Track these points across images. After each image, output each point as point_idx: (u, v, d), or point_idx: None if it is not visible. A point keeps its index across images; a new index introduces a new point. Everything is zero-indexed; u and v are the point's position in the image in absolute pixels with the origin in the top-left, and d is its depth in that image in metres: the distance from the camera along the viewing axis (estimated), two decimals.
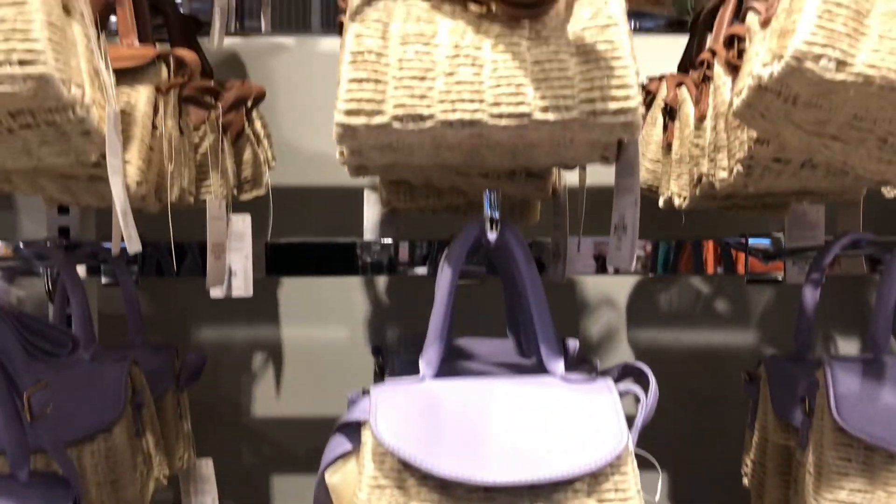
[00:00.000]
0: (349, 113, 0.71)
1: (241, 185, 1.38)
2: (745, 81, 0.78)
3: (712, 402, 1.61)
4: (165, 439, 1.23)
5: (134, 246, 0.80)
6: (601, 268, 1.40)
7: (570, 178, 1.20)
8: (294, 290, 1.60)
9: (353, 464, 0.79)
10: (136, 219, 0.86)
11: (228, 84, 1.35)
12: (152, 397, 1.16)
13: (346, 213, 1.47)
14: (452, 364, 0.89)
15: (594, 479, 0.76)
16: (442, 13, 0.73)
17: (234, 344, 1.60)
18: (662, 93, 1.30)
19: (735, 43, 0.97)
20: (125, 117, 0.95)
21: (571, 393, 0.79)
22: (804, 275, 1.33)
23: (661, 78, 1.34)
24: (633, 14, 1.46)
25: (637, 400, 0.83)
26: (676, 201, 1.20)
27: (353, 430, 0.77)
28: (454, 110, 0.70)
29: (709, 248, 1.43)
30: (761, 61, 0.75)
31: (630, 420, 0.81)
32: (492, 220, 0.82)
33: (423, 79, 0.71)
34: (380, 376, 1.12)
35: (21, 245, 1.20)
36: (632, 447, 0.79)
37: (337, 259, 1.41)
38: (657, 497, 0.87)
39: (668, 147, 1.25)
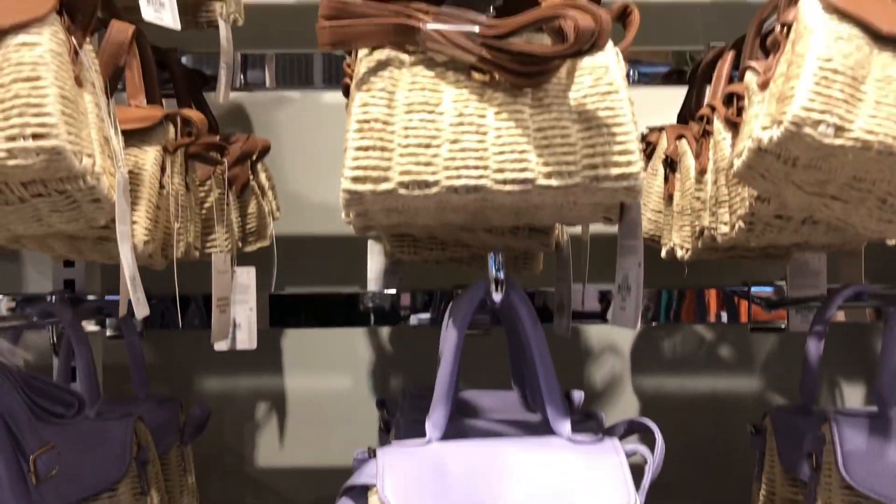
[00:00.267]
0: (356, 180, 0.72)
1: (245, 237, 1.39)
2: (745, 143, 0.79)
3: (718, 450, 1.60)
4: (170, 494, 1.23)
5: (142, 311, 0.81)
6: (605, 315, 1.41)
7: (574, 229, 1.21)
8: (298, 340, 1.60)
9: None
10: (140, 272, 0.87)
11: (234, 138, 1.37)
12: (157, 452, 1.15)
13: (349, 262, 1.48)
14: (458, 422, 0.89)
15: None
16: (447, 81, 0.74)
17: (237, 394, 1.60)
18: (663, 144, 1.31)
19: (734, 101, 0.98)
20: (133, 178, 0.96)
21: (578, 455, 0.79)
22: (807, 323, 1.34)
23: (661, 129, 1.36)
24: (631, 63, 1.50)
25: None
26: (679, 253, 1.21)
27: (360, 494, 0.77)
28: (459, 177, 0.71)
29: (712, 296, 1.43)
30: (761, 125, 0.76)
31: (637, 471, 0.80)
32: (496, 281, 0.82)
33: (428, 146, 0.72)
34: (385, 431, 1.11)
35: (26, 303, 1.20)
36: None
37: (340, 310, 1.41)
38: None
39: (669, 198, 1.26)
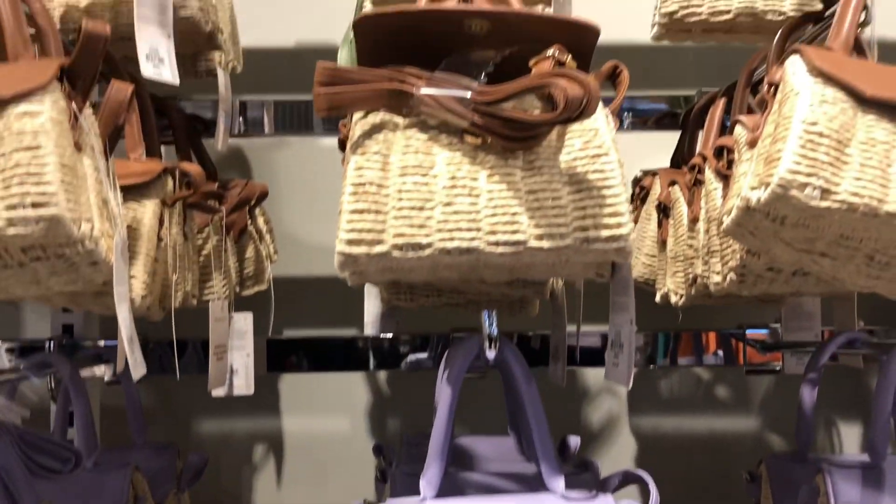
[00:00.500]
0: (350, 243, 0.73)
1: (243, 281, 1.40)
2: (734, 202, 0.80)
3: (716, 492, 1.60)
4: None
5: (139, 371, 0.81)
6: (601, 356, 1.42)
7: None
8: (295, 385, 1.60)
9: None
10: (138, 319, 0.87)
11: (232, 184, 1.39)
12: (154, 500, 1.15)
13: (347, 303, 1.49)
14: (454, 476, 0.89)
15: None
16: (440, 144, 0.76)
17: (235, 437, 1.60)
18: (656, 189, 1.33)
19: (724, 154, 1.00)
20: (131, 232, 0.97)
21: None
22: (802, 365, 1.35)
23: (654, 173, 1.37)
24: (626, 107, 1.52)
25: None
26: (673, 298, 1.22)
27: None
28: (452, 239, 0.72)
29: (707, 339, 1.44)
30: (749, 185, 0.77)
31: None
32: (490, 338, 0.83)
33: (421, 209, 0.73)
34: (381, 481, 1.12)
35: (25, 351, 1.21)
36: None
37: (338, 354, 1.42)
38: None
39: (663, 243, 1.27)
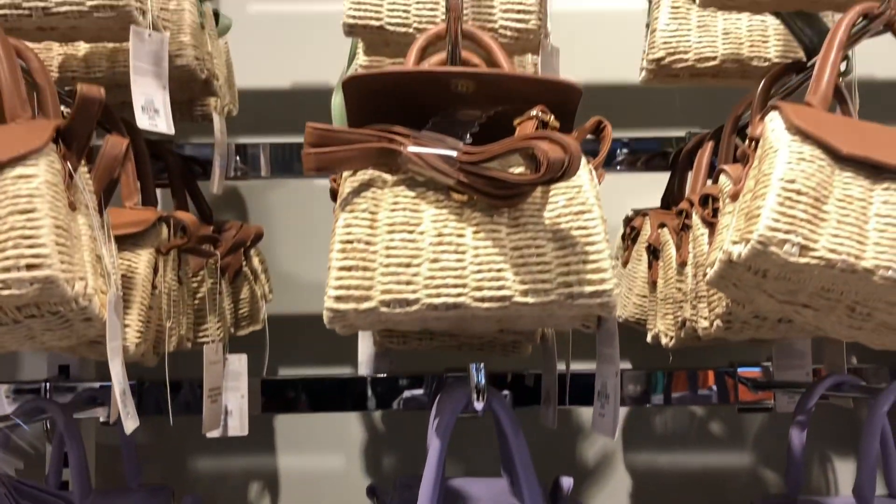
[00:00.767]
0: (339, 299, 0.74)
1: (238, 321, 1.41)
2: (717, 255, 0.82)
3: None
4: None
5: (131, 424, 0.82)
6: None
7: None
8: (290, 423, 1.61)
9: None
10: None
11: (227, 226, 1.40)
12: None
13: (342, 342, 1.49)
14: None
15: None
16: (427, 201, 0.77)
17: (230, 476, 1.61)
18: (646, 230, 1.35)
19: (710, 202, 1.01)
20: (126, 281, 0.99)
21: None
22: (794, 403, 1.35)
23: (644, 214, 1.39)
24: (619, 143, 1.54)
25: None
26: (663, 340, 1.23)
27: None
28: (438, 295, 0.74)
29: (699, 377, 1.45)
30: (731, 239, 0.79)
31: None
32: (478, 390, 0.84)
33: (408, 265, 0.74)
34: None
35: (20, 394, 1.22)
36: None
37: (332, 395, 1.43)
38: None
39: (653, 284, 1.29)
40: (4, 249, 0.68)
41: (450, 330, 0.99)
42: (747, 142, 0.86)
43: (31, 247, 0.68)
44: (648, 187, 1.51)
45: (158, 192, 1.33)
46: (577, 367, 1.21)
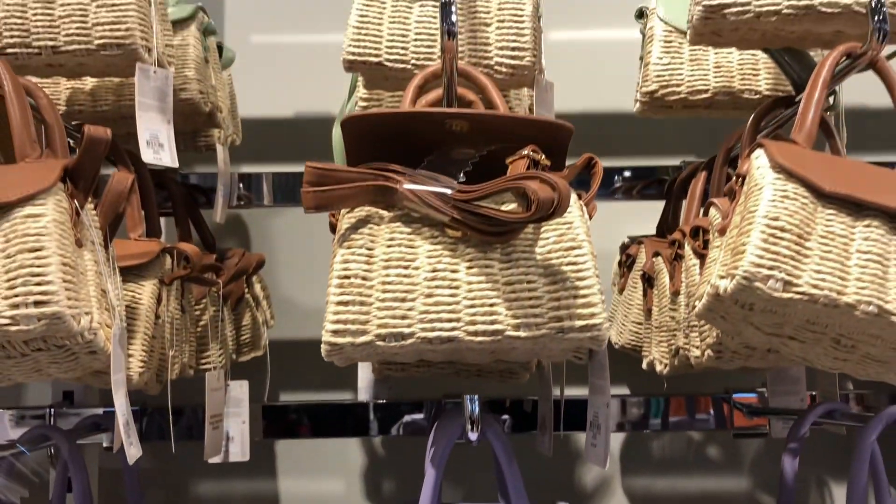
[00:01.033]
0: (336, 333, 0.76)
1: (239, 348, 1.43)
2: (705, 288, 0.84)
3: None
4: None
5: (134, 454, 0.84)
6: None
7: None
8: (291, 448, 1.63)
9: None
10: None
11: (230, 253, 1.43)
12: None
13: (342, 367, 1.52)
14: None
15: None
16: (422, 237, 0.80)
17: (232, 500, 1.62)
18: (641, 258, 1.37)
19: (700, 234, 1.04)
20: (130, 312, 1.01)
21: None
22: (788, 428, 1.37)
23: (640, 242, 1.41)
24: (616, 171, 1.56)
25: None
26: (658, 367, 1.24)
27: None
28: (433, 329, 0.76)
29: (695, 403, 1.47)
30: (718, 273, 0.81)
31: None
32: (472, 421, 0.86)
33: (404, 300, 0.77)
34: None
35: (24, 420, 1.24)
36: None
37: (333, 420, 1.44)
38: None
39: (648, 312, 1.31)
40: (14, 287, 0.70)
41: (446, 360, 1.01)
42: (734, 178, 0.88)
43: (38, 284, 0.70)
44: (645, 215, 1.54)
45: (162, 220, 1.36)
46: (576, 392, 1.23)
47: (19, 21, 1.00)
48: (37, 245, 0.71)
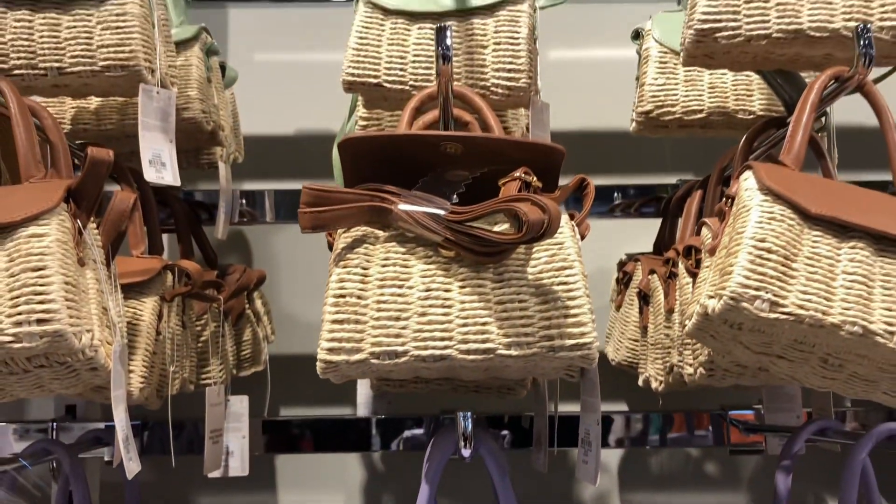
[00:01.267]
0: (331, 351, 0.78)
1: (240, 363, 1.45)
2: (695, 308, 0.85)
3: None
4: None
5: (133, 469, 0.86)
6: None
7: None
8: (291, 463, 1.64)
9: None
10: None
11: (231, 269, 1.45)
12: None
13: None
14: None
15: None
16: (416, 257, 0.81)
17: None
18: (637, 275, 1.38)
19: (693, 253, 1.05)
20: (131, 328, 1.03)
21: None
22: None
23: (636, 259, 1.42)
24: (615, 188, 1.58)
25: None
26: (654, 384, 1.26)
27: None
28: (426, 347, 0.78)
29: (692, 419, 1.48)
30: (707, 293, 0.83)
31: None
32: (465, 438, 0.87)
33: (398, 319, 0.78)
34: None
35: (27, 434, 1.26)
36: None
37: (332, 435, 1.46)
38: None
39: (644, 329, 1.32)
40: (17, 305, 0.72)
41: (441, 377, 1.03)
42: (724, 199, 0.90)
43: (41, 302, 0.72)
44: (643, 232, 1.55)
45: (165, 236, 1.38)
46: (574, 409, 1.24)
47: (26, 43, 1.02)
48: (40, 264, 0.73)
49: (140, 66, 1.04)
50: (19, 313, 0.72)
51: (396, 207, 0.81)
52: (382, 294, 0.79)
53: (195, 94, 1.27)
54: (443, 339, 0.78)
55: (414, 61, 1.10)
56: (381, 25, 1.12)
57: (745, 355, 0.87)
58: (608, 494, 1.67)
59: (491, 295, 0.79)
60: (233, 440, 1.35)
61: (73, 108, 1.28)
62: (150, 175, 1.07)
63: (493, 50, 1.08)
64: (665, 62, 1.32)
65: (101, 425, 1.41)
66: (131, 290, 1.04)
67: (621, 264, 1.51)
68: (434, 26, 1.08)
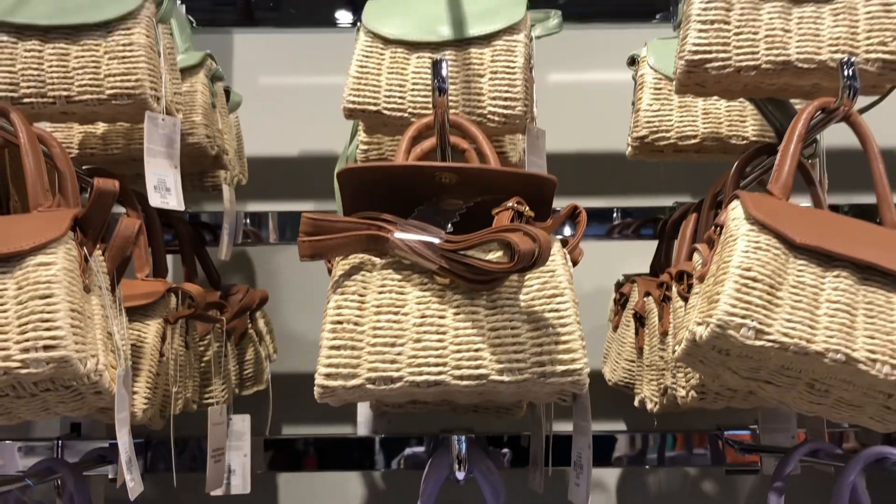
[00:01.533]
0: (328, 376, 0.80)
1: (242, 382, 1.47)
2: (684, 334, 0.87)
3: None
4: None
5: (136, 491, 0.88)
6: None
7: None
8: (292, 481, 1.66)
9: None
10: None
11: (234, 289, 1.47)
12: None
13: None
14: None
15: None
16: (412, 284, 0.84)
17: None
18: (633, 297, 1.40)
19: (685, 278, 1.07)
20: (135, 350, 1.05)
21: None
22: None
23: (633, 280, 1.44)
24: (613, 210, 1.60)
25: None
26: (649, 405, 1.27)
27: None
28: (420, 373, 0.80)
29: (688, 439, 1.49)
30: (695, 320, 0.85)
31: None
32: (460, 461, 0.89)
33: (393, 345, 0.81)
34: None
35: (31, 451, 1.28)
36: None
37: (334, 454, 1.48)
38: None
39: (639, 350, 1.34)
40: (25, 332, 0.74)
41: (437, 400, 1.05)
42: (713, 227, 0.92)
43: (48, 329, 0.74)
44: (641, 253, 1.57)
45: (169, 257, 1.40)
46: (569, 427, 1.26)
47: (35, 73, 1.05)
48: (47, 292, 0.76)
49: (146, 95, 1.07)
50: (27, 339, 0.74)
51: (393, 236, 0.83)
52: (379, 320, 0.82)
53: (200, 119, 1.29)
54: (437, 364, 0.80)
55: (413, 89, 1.12)
56: (381, 54, 1.15)
57: (734, 380, 0.89)
58: None
59: (484, 322, 0.81)
60: (235, 458, 1.37)
61: (80, 132, 1.30)
62: (155, 200, 1.10)
63: (490, 78, 1.11)
64: (660, 88, 1.34)
65: (106, 443, 1.44)
66: (136, 313, 1.07)
67: (619, 285, 1.53)
68: (432, 56, 1.11)
